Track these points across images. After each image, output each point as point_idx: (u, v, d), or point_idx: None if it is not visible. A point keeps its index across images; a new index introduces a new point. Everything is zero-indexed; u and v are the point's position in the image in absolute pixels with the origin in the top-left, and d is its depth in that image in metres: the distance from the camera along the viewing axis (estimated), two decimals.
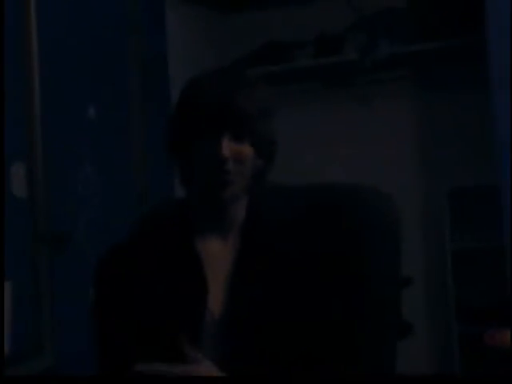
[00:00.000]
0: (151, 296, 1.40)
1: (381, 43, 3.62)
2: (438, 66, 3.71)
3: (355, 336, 1.45)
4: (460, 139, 3.70)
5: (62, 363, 2.58)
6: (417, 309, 3.65)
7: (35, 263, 2.58)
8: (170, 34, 3.52)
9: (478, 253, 3.54)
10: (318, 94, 3.92)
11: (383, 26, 3.66)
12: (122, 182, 3.11)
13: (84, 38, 2.92)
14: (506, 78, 2.94)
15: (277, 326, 1.38)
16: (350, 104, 3.84)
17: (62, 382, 1.69)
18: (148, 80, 3.29)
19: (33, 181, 2.58)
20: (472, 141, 3.64)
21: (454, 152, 3.72)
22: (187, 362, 1.28)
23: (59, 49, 2.76)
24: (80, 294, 2.52)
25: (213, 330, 1.38)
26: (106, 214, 2.95)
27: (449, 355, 3.54)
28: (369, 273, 1.48)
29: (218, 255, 1.43)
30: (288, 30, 3.90)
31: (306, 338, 1.39)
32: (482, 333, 2.46)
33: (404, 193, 2.68)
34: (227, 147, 1.36)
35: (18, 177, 2.54)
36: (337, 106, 3.88)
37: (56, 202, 2.68)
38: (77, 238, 2.77)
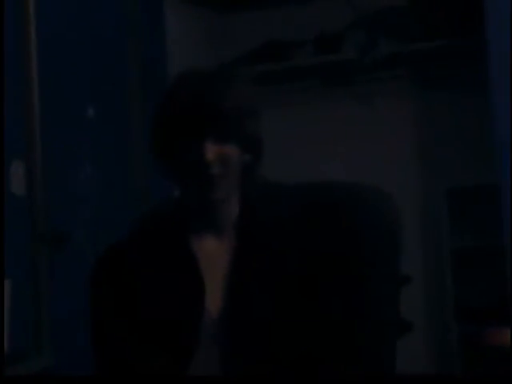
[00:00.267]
0: (148, 296, 1.39)
1: (380, 42, 3.62)
2: (437, 66, 3.71)
3: (354, 335, 1.45)
4: (459, 139, 3.70)
5: (61, 362, 2.58)
6: (416, 308, 3.65)
7: (34, 262, 2.58)
8: (170, 33, 3.52)
9: (477, 252, 3.53)
10: (318, 92, 3.91)
11: (383, 24, 3.66)
12: (121, 181, 3.11)
13: (83, 38, 2.91)
14: (505, 78, 2.94)
15: (275, 325, 1.38)
16: (349, 103, 3.84)
17: (62, 382, 1.69)
18: (147, 80, 3.29)
19: (32, 180, 2.58)
20: (471, 140, 3.64)
21: (453, 151, 3.71)
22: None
23: (58, 48, 2.76)
24: (79, 293, 2.51)
25: (211, 329, 1.38)
26: (105, 214, 2.95)
27: (448, 354, 3.54)
28: (368, 271, 1.48)
29: (214, 254, 1.43)
30: (288, 29, 3.89)
31: (304, 337, 1.39)
32: (481, 332, 2.46)
33: (403, 192, 2.68)
34: (210, 151, 1.35)
35: (18, 176, 2.54)
36: (336, 104, 3.87)
37: (55, 201, 2.68)
38: (76, 237, 2.77)
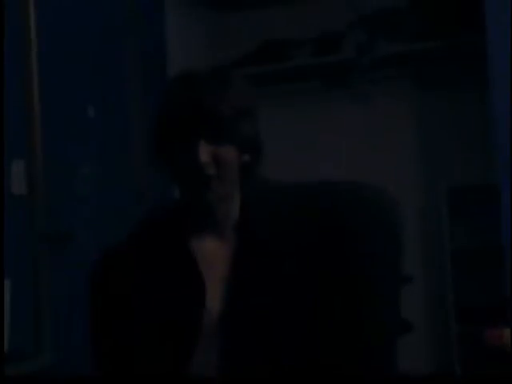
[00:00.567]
0: (148, 297, 1.39)
1: (380, 42, 3.62)
2: (437, 66, 3.71)
3: (355, 335, 1.45)
4: (459, 138, 3.70)
5: (61, 361, 2.58)
6: (416, 308, 3.65)
7: (35, 261, 2.58)
8: (170, 33, 3.52)
9: (477, 252, 3.53)
10: (318, 92, 3.91)
11: (382, 25, 3.67)
12: (121, 180, 3.11)
13: (83, 38, 2.92)
14: (505, 78, 2.94)
15: (275, 324, 1.38)
16: (348, 102, 3.84)
17: (61, 382, 1.69)
18: (147, 79, 3.29)
19: (33, 179, 2.58)
20: (471, 140, 3.64)
21: (452, 151, 3.72)
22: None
23: (59, 48, 2.76)
24: (79, 292, 2.51)
25: (211, 328, 1.38)
26: (105, 213, 2.95)
27: (447, 354, 3.54)
28: (369, 271, 1.48)
29: (213, 254, 1.43)
30: (287, 29, 3.90)
31: (304, 336, 1.39)
32: (480, 332, 2.46)
33: (403, 191, 2.67)
34: (205, 152, 1.35)
35: (18, 175, 2.54)
36: (336, 104, 3.87)
37: (56, 200, 2.68)
38: (77, 237, 2.77)
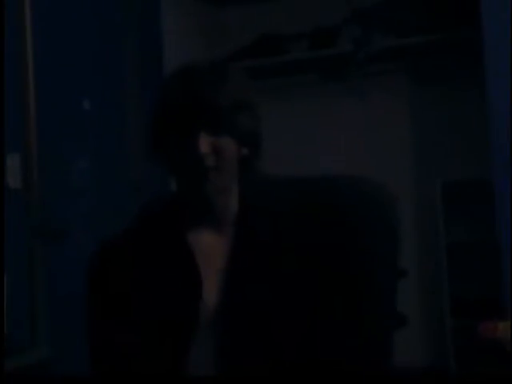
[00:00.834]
0: (145, 290, 1.40)
1: (375, 36, 3.62)
2: (432, 60, 3.71)
3: (353, 328, 1.45)
4: (454, 133, 3.70)
5: (57, 355, 2.59)
6: (411, 302, 3.66)
7: (30, 256, 2.58)
8: (166, 27, 3.51)
9: (471, 246, 3.55)
10: (314, 86, 3.91)
11: (378, 19, 3.66)
12: (117, 174, 3.11)
13: (79, 31, 2.91)
14: (501, 73, 2.94)
15: (272, 319, 1.39)
16: (345, 96, 3.84)
17: (57, 375, 1.69)
18: (143, 72, 3.28)
19: (28, 173, 2.58)
20: (466, 134, 3.65)
21: (448, 146, 3.72)
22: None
23: (55, 41, 2.76)
24: (76, 286, 2.51)
25: (208, 322, 1.39)
26: (101, 207, 2.95)
27: (442, 348, 3.55)
28: (367, 265, 1.49)
29: (211, 248, 1.44)
30: (283, 23, 3.89)
31: (301, 330, 1.39)
32: (475, 326, 2.47)
33: (398, 186, 2.66)
34: (204, 143, 1.36)
35: (13, 169, 2.54)
36: (332, 98, 3.88)
37: (51, 194, 2.68)
38: (73, 231, 2.77)
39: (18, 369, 2.30)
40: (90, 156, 2.92)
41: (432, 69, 3.74)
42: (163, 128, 1.41)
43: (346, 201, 1.53)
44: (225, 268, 1.42)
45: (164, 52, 3.48)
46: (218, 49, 3.84)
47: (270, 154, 1.74)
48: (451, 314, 3.50)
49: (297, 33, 3.82)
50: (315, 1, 3.89)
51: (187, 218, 1.45)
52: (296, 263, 1.43)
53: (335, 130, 3.87)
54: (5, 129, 2.44)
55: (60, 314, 2.64)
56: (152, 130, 1.44)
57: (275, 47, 3.81)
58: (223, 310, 1.39)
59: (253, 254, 1.43)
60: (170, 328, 1.37)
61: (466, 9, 3.35)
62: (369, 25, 3.65)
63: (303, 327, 1.39)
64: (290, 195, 1.54)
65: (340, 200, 1.53)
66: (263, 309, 1.39)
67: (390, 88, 3.79)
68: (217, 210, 1.43)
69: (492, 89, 2.97)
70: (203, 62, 1.44)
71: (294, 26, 3.85)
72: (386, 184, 1.55)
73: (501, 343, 2.24)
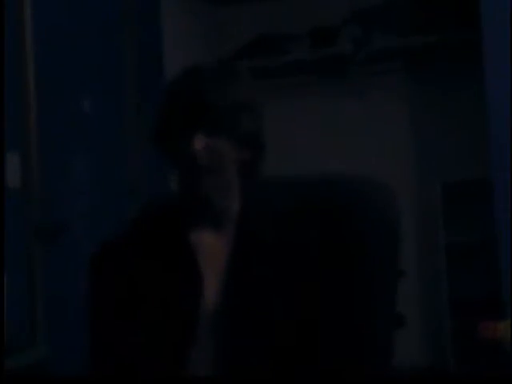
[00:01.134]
0: (146, 290, 1.40)
1: (375, 36, 3.62)
2: (432, 59, 3.71)
3: (352, 328, 1.45)
4: (454, 133, 3.71)
5: (56, 354, 2.58)
6: (410, 302, 3.66)
7: (29, 255, 2.58)
8: (166, 26, 3.51)
9: (470, 246, 3.55)
10: (314, 86, 3.92)
11: (378, 18, 3.67)
12: (117, 173, 3.11)
13: (79, 31, 2.91)
14: (501, 73, 2.94)
15: (271, 318, 1.39)
16: (345, 96, 3.84)
17: (56, 374, 1.69)
18: (143, 72, 3.28)
19: (27, 172, 2.58)
20: (466, 134, 3.65)
21: (447, 146, 3.72)
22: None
23: (55, 41, 2.76)
24: (75, 285, 2.52)
25: (209, 322, 1.39)
26: (100, 206, 2.95)
27: (441, 348, 3.55)
28: (367, 266, 1.48)
29: (212, 248, 1.44)
30: (283, 23, 3.90)
31: (302, 330, 1.39)
32: (474, 326, 2.47)
33: (398, 186, 2.66)
34: (199, 143, 1.36)
35: (13, 168, 2.54)
36: (332, 98, 3.88)
37: (51, 193, 2.68)
38: (72, 230, 2.76)
39: (18, 368, 2.30)
40: (89, 156, 2.92)
41: (432, 69, 3.74)
42: (165, 125, 1.42)
43: (346, 201, 1.52)
44: (225, 268, 1.42)
45: (164, 52, 3.48)
46: (218, 48, 3.84)
47: (270, 154, 1.74)
48: (451, 314, 3.50)
49: (296, 33, 3.82)
50: (315, 1, 3.89)
51: (188, 218, 1.45)
52: (296, 263, 1.43)
53: (335, 130, 3.87)
54: (4, 128, 2.44)
55: (59, 313, 2.63)
56: (155, 127, 1.45)
57: (275, 47, 3.81)
58: (224, 310, 1.39)
59: (253, 254, 1.43)
60: (170, 328, 1.37)
61: (466, 9, 3.35)
62: (369, 25, 3.66)
63: (303, 327, 1.39)
64: (290, 195, 1.54)
65: (340, 200, 1.53)
66: (263, 309, 1.39)
67: (390, 88, 3.79)
68: (217, 210, 1.43)
69: (492, 89, 2.97)
70: (210, 63, 1.45)
71: (293, 26, 3.85)
72: (386, 184, 1.55)
73: (501, 343, 2.24)
